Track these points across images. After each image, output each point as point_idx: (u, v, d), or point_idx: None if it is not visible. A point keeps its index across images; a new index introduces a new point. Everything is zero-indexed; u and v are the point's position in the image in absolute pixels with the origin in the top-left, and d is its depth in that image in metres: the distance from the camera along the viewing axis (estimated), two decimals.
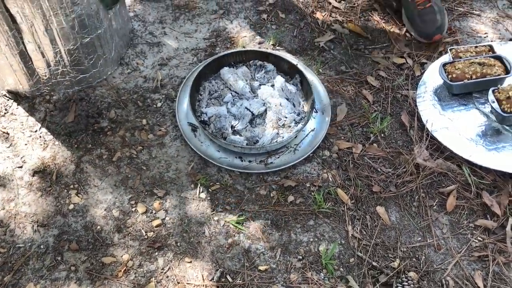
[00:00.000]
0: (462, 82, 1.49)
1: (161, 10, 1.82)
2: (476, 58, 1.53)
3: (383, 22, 1.78)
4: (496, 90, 1.43)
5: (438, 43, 1.72)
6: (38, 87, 1.55)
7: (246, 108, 1.50)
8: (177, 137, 1.51)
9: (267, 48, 1.71)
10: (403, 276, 1.24)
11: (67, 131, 1.50)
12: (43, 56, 1.45)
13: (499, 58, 1.53)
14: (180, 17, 1.80)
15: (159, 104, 1.57)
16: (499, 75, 1.49)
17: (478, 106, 1.51)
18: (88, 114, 1.54)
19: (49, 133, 1.49)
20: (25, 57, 1.45)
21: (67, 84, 1.56)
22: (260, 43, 1.73)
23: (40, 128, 1.50)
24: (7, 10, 1.32)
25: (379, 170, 1.44)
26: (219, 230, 1.34)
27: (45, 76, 1.52)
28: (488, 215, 1.35)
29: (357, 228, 1.34)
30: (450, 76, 1.51)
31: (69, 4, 1.36)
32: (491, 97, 1.43)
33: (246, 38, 1.75)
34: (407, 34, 1.75)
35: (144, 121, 1.53)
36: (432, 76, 1.61)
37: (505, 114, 1.39)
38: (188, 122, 1.52)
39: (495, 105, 1.41)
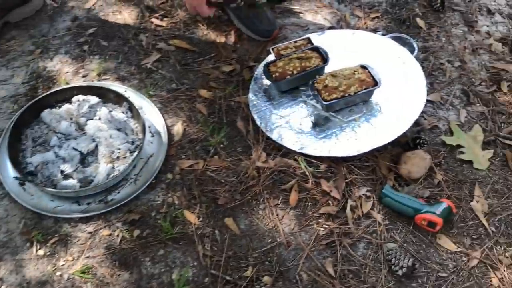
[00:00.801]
0: (285, 79, 1.53)
1: None
2: (295, 54, 1.57)
3: (209, 32, 1.78)
4: (315, 81, 1.48)
5: (275, 38, 1.76)
6: None
7: (73, 148, 1.42)
8: (4, 195, 1.38)
9: (92, 80, 1.63)
10: (256, 283, 1.23)
11: None
12: None
13: (316, 49, 1.59)
14: None
15: None
16: (317, 65, 1.55)
17: (305, 99, 1.56)
18: None
19: None
20: None
21: None
22: (84, 76, 1.65)
23: None
24: None
25: (223, 181, 1.43)
26: (64, 284, 1.25)
27: None
28: (329, 201, 1.39)
29: (207, 246, 1.31)
30: (273, 76, 1.54)
31: None
32: (311, 89, 1.48)
33: (69, 73, 1.65)
34: (234, 39, 1.77)
35: None
36: (261, 78, 1.63)
37: (325, 103, 1.44)
38: (14, 177, 1.40)
39: (316, 95, 1.46)
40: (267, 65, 1.57)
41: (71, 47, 1.73)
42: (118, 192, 1.40)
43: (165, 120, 1.54)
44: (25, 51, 1.71)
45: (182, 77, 1.66)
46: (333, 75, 1.47)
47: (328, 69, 1.59)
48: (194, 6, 1.62)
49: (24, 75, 1.65)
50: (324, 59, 1.57)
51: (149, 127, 1.51)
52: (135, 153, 1.43)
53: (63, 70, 1.66)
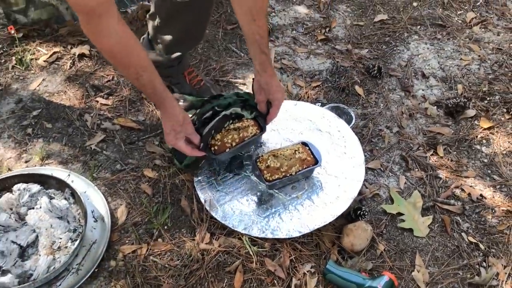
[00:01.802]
0: (225, 152, 1.54)
1: None
2: (232, 125, 1.59)
3: (154, 110, 1.81)
4: (257, 160, 1.51)
5: None
6: None
7: (12, 241, 1.39)
8: None
9: (34, 166, 1.62)
10: None
11: None
12: None
13: (254, 119, 1.60)
14: None
15: None
16: (255, 134, 1.56)
17: (249, 174, 1.58)
18: None
19: None
20: None
21: None
22: (27, 161, 1.64)
23: None
24: None
25: (167, 266, 1.42)
26: None
27: None
28: (275, 281, 1.40)
29: None
30: (213, 149, 1.56)
31: None
32: (254, 168, 1.51)
33: (11, 159, 1.64)
34: None
35: None
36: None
37: (268, 183, 1.47)
38: None
39: (258, 175, 1.49)
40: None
41: (14, 131, 1.72)
42: (60, 285, 1.37)
43: (108, 203, 1.53)
44: None
45: (127, 157, 1.67)
46: (275, 155, 1.50)
47: (270, 141, 1.63)
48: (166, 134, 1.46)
49: None
50: (261, 127, 1.59)
51: (92, 211, 1.50)
52: (77, 242, 1.41)
53: (6, 155, 1.65)
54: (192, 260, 1.42)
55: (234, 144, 1.54)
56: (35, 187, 1.51)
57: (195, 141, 1.48)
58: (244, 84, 1.93)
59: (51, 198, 1.49)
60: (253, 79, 1.51)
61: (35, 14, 2.06)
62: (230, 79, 1.94)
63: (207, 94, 1.81)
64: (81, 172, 1.61)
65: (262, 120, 1.59)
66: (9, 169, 1.61)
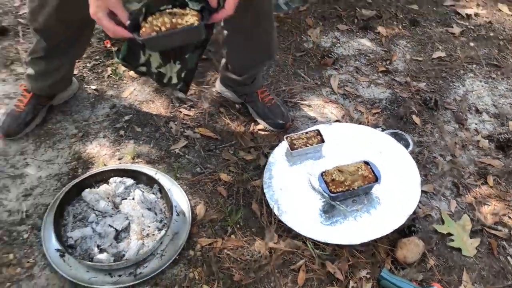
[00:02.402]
0: (151, 35, 1.29)
1: (22, 142, 1.91)
2: (169, 9, 1.35)
3: (230, 123, 2.03)
4: (324, 174, 1.70)
5: (287, 129, 2.01)
6: None
7: (109, 225, 1.62)
8: (46, 265, 1.57)
9: (126, 163, 1.86)
10: None
11: None
12: None
13: (199, 12, 1.37)
14: (41, 145, 1.91)
15: (25, 236, 1.63)
16: (191, 24, 1.31)
17: (314, 185, 1.77)
18: None
19: None
20: None
21: None
22: (120, 158, 1.88)
23: None
24: None
25: (239, 259, 1.61)
26: None
27: None
28: (334, 282, 1.57)
29: None
30: (140, 31, 1.32)
31: None
32: (320, 181, 1.69)
33: (106, 156, 1.89)
34: (252, 129, 2.01)
35: (11, 256, 1.58)
36: (275, 164, 1.86)
37: (332, 195, 1.65)
38: (55, 249, 1.59)
39: (324, 187, 1.67)
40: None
41: (109, 132, 1.97)
42: (146, 266, 1.58)
43: (189, 200, 1.75)
44: (68, 134, 1.96)
45: (206, 162, 1.89)
46: (340, 170, 1.68)
47: (335, 160, 1.81)
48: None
49: (67, 156, 1.88)
50: (202, 17, 1.34)
51: (175, 206, 1.72)
52: (163, 231, 1.62)
53: (101, 152, 1.90)
54: (261, 256, 1.61)
55: (163, 29, 1.30)
56: (129, 181, 1.75)
57: (121, 16, 1.29)
58: (310, 106, 2.13)
59: (142, 191, 1.72)
60: None
61: None
62: (297, 101, 2.15)
63: (277, 111, 2.02)
64: (166, 171, 1.84)
65: (207, 13, 1.35)
66: (105, 164, 1.86)
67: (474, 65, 2.40)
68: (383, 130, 1.98)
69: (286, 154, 1.88)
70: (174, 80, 1.56)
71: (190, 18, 1.32)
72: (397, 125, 2.07)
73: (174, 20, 1.31)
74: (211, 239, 1.66)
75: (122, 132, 1.97)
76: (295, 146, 1.85)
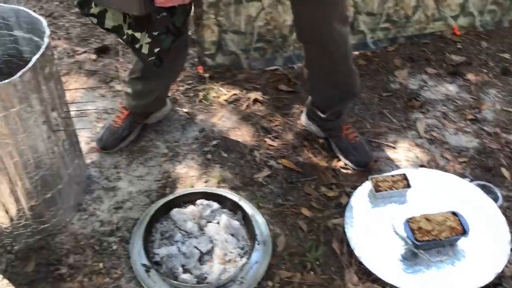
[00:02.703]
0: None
1: (116, 156, 2.03)
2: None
3: (312, 157, 2.06)
4: (410, 220, 1.68)
5: (370, 169, 2.00)
6: (0, 238, 1.67)
7: (194, 246, 1.67)
8: (131, 278, 1.64)
9: (212, 186, 1.93)
10: None
11: (28, 280, 1.60)
12: (7, 213, 1.60)
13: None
14: (133, 161, 2.01)
15: (114, 247, 1.72)
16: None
17: (397, 231, 1.75)
18: (49, 262, 1.66)
19: (10, 284, 1.59)
20: None
21: (29, 235, 1.69)
22: (206, 181, 1.95)
23: (2, 279, 1.60)
24: None
25: None
26: None
27: (8, 229, 1.65)
28: None
29: None
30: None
31: (33, 168, 1.54)
32: (406, 227, 1.67)
33: (193, 178, 1.96)
34: (334, 166, 2.02)
35: (101, 265, 1.67)
36: (357, 204, 1.85)
37: (418, 243, 1.63)
38: (141, 264, 1.66)
39: (410, 235, 1.65)
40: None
41: (197, 155, 2.05)
42: None
43: (270, 231, 1.78)
44: (159, 153, 2.06)
45: (287, 194, 1.92)
46: (427, 219, 1.66)
47: (420, 206, 1.78)
48: None
49: (157, 173, 1.97)
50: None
51: (257, 235, 1.75)
52: (244, 259, 1.66)
53: (189, 173, 1.98)
54: None
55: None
56: (215, 205, 1.81)
57: None
58: (394, 148, 2.12)
59: (228, 217, 1.77)
60: None
61: (220, 60, 2.44)
62: (382, 142, 2.14)
63: (360, 149, 2.03)
64: (249, 199, 1.88)
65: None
66: (192, 186, 1.93)
67: None
68: (471, 180, 1.94)
69: (369, 195, 1.88)
70: (145, 51, 1.58)
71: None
72: (484, 176, 2.01)
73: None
74: (290, 272, 1.67)
75: (209, 156, 2.05)
76: (380, 188, 1.84)
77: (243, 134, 2.15)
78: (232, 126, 2.18)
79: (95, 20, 1.57)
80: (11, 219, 1.62)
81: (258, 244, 1.74)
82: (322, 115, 2.04)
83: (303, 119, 2.18)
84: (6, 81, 1.33)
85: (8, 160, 1.47)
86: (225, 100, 2.30)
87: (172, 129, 2.16)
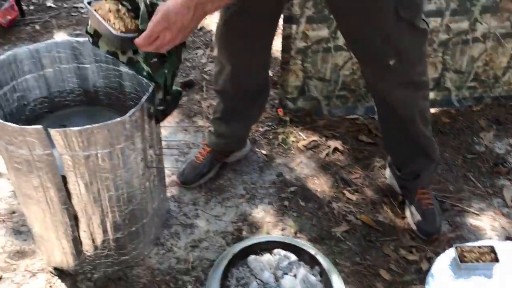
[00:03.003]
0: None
1: (195, 192, 2.05)
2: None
3: (392, 215, 2.00)
4: None
5: (435, 241, 1.91)
6: (82, 265, 1.70)
7: None
8: None
9: (288, 235, 1.90)
10: None
11: None
12: (93, 242, 1.63)
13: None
14: (211, 199, 2.02)
15: (189, 287, 1.72)
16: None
17: None
18: None
19: None
20: (76, 242, 1.63)
21: (108, 264, 1.72)
22: (282, 229, 1.93)
23: None
24: (72, 207, 1.53)
25: None
26: None
27: (90, 257, 1.68)
28: None
29: None
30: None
31: (125, 202, 1.58)
32: None
33: (270, 224, 1.95)
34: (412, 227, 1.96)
35: None
36: (439, 272, 1.77)
37: None
38: None
39: None
40: None
41: (274, 199, 2.04)
42: None
43: None
44: (237, 193, 2.06)
45: (366, 253, 1.86)
46: None
47: (507, 282, 1.68)
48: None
49: (234, 215, 1.97)
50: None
51: None
52: None
53: (266, 219, 1.96)
54: None
55: (100, 12, 1.31)
56: (293, 257, 1.77)
57: None
58: (478, 215, 2.03)
59: (306, 271, 1.73)
60: None
61: (301, 104, 2.44)
62: (465, 207, 2.06)
63: (430, 218, 1.93)
64: (326, 253, 1.84)
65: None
66: (268, 232, 1.91)
67: None
68: None
69: (452, 264, 1.79)
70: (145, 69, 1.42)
71: (121, 22, 1.29)
72: None
73: (112, 15, 1.29)
74: None
75: (286, 203, 2.03)
76: (465, 259, 1.75)
77: (321, 184, 2.12)
78: (311, 174, 2.16)
79: (90, 40, 1.42)
80: (96, 248, 1.65)
81: None
82: (398, 173, 1.99)
83: (387, 171, 2.13)
84: (118, 119, 1.38)
85: (104, 193, 1.51)
86: (304, 145, 2.28)
87: (250, 170, 2.16)
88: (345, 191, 2.08)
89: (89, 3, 1.33)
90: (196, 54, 2.87)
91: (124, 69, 1.73)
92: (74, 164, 1.42)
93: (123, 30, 1.28)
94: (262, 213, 1.99)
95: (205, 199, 2.02)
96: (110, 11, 1.30)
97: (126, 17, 1.31)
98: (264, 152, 2.25)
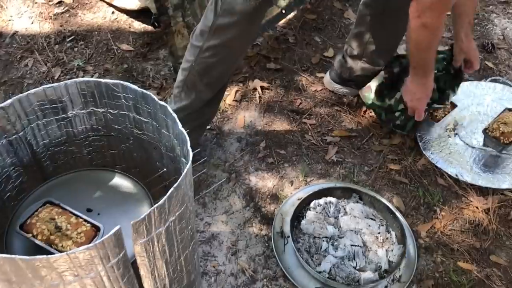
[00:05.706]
0: None
1: None
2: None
3: (353, 117, 2.06)
4: (487, 130, 1.86)
5: None
6: None
7: (351, 245, 1.59)
8: None
9: (302, 184, 1.81)
10: None
11: None
12: None
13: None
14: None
15: None
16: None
17: (474, 145, 1.92)
18: None
19: None
20: None
21: None
22: (291, 183, 1.82)
23: None
24: None
25: None
26: None
27: None
28: None
29: None
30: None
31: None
32: (487, 136, 1.84)
33: (277, 186, 1.81)
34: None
35: None
36: None
37: (505, 145, 1.82)
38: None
39: (495, 141, 1.83)
40: None
41: (256, 164, 1.88)
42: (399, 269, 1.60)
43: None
44: (221, 178, 1.82)
45: (366, 159, 1.92)
46: (504, 122, 1.83)
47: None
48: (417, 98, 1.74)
49: (239, 202, 1.76)
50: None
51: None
52: (393, 232, 1.65)
53: (267, 185, 1.81)
54: None
55: None
56: (333, 199, 1.71)
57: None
58: None
59: (353, 204, 1.71)
60: (452, 44, 1.77)
61: None
62: None
63: None
64: (343, 180, 1.83)
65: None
66: (285, 196, 1.78)
67: None
68: None
69: None
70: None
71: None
72: None
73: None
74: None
75: (270, 160, 1.89)
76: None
77: (279, 126, 2.01)
78: (262, 123, 2.02)
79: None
80: None
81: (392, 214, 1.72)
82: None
83: (326, 77, 2.17)
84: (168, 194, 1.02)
85: None
86: (233, 100, 2.10)
87: (214, 154, 1.91)
88: (304, 120, 2.04)
89: None
90: None
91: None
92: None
93: None
94: (260, 182, 1.82)
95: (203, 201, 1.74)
96: None
97: None
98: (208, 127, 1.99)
